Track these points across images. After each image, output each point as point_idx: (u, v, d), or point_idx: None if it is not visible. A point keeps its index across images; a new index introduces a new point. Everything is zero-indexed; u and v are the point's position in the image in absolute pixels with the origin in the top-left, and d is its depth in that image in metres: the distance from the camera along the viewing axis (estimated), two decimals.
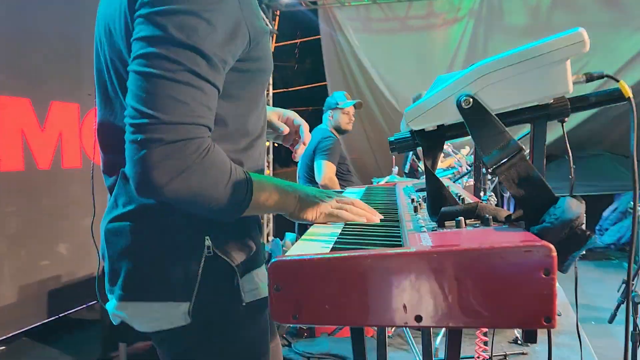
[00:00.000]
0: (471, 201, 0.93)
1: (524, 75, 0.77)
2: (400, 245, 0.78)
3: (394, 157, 4.58)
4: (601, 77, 0.80)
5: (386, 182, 4.06)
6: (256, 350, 1.09)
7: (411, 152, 4.78)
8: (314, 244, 0.84)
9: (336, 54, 7.78)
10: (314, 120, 4.22)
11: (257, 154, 1.12)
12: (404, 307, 0.68)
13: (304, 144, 1.29)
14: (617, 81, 0.80)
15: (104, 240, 1.09)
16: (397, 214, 1.08)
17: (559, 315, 3.68)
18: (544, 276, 0.65)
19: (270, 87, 7.62)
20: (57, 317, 4.35)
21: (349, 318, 0.70)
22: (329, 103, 3.84)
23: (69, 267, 4.46)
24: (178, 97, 0.84)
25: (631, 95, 0.80)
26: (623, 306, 2.18)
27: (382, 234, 0.89)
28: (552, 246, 0.65)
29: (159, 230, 1.00)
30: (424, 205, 1.11)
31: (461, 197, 1.07)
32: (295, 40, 8.76)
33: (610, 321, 3.06)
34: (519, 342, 3.06)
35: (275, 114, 1.34)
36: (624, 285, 2.32)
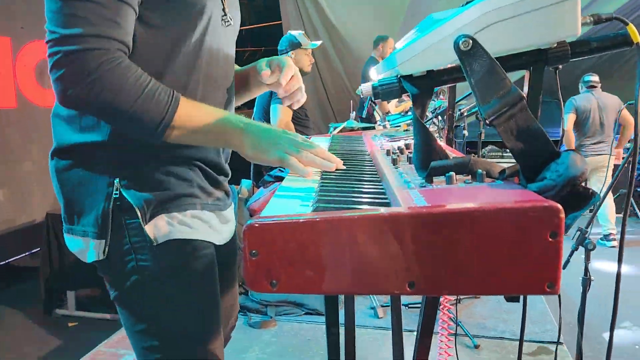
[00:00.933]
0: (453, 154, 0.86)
1: (531, 14, 0.68)
2: (388, 204, 0.70)
3: (351, 102, 4.48)
4: (610, 19, 0.73)
5: (344, 128, 3.99)
6: (187, 292, 1.09)
7: (368, 97, 4.69)
8: (290, 202, 0.75)
9: None
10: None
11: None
12: (396, 273, 0.61)
13: (280, 83, 1.22)
14: (627, 24, 0.73)
15: None
16: (373, 166, 1.00)
17: None
18: (550, 239, 0.60)
19: None
20: None
21: (335, 286, 0.62)
22: (288, 43, 3.59)
23: (8, 214, 4.21)
24: (77, 12, 0.89)
25: (638, 41, 0.73)
26: (576, 253, 2.24)
27: (366, 190, 0.81)
28: (560, 207, 0.59)
29: (73, 167, 1.06)
30: (402, 157, 1.04)
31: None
32: None
33: (564, 267, 3.19)
34: None
35: (264, 62, 1.27)
36: (578, 232, 2.37)
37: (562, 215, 0.59)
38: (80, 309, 3.51)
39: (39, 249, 4.44)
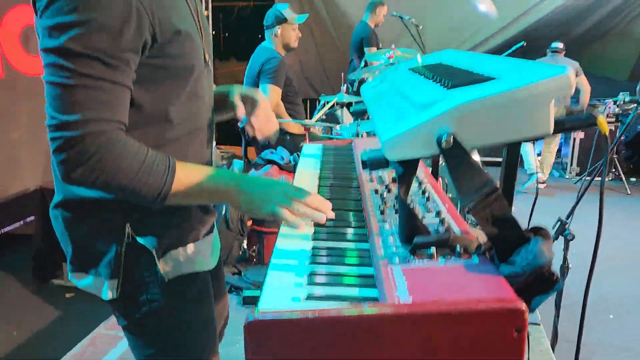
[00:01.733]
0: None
1: (507, 115, 0.74)
2: (376, 297, 0.78)
3: (342, 74, 4.47)
4: (581, 111, 0.79)
5: (335, 102, 4.00)
6: (189, 319, 1.22)
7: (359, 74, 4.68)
8: (285, 277, 0.82)
9: None
10: (258, 19, 3.88)
11: (196, 146, 1.20)
12: None
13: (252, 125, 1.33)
14: (596, 118, 0.79)
15: None
16: (362, 216, 1.07)
17: None
18: (515, 334, 0.68)
19: None
20: None
21: None
22: (274, 18, 3.53)
23: (0, 185, 4.23)
24: (76, 99, 0.94)
25: (607, 132, 0.80)
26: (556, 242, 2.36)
27: (354, 262, 0.89)
28: (524, 307, 0.67)
29: (84, 218, 1.14)
30: (389, 202, 1.11)
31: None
32: None
33: None
34: None
35: (237, 95, 1.34)
36: (559, 223, 2.49)
37: (527, 314, 0.67)
38: None
39: (32, 217, 4.51)
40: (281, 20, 3.53)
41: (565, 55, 6.15)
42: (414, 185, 1.15)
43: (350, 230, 1.03)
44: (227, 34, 8.77)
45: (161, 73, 1.06)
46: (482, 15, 7.33)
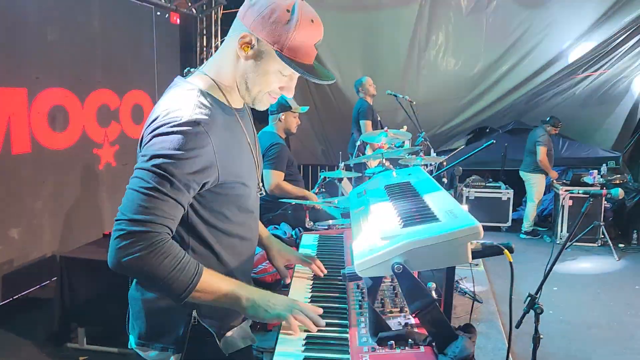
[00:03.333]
0: None
1: (438, 252, 1.08)
2: None
3: (340, 152, 4.87)
4: (492, 246, 1.13)
5: (334, 177, 4.37)
6: None
7: (357, 146, 5.09)
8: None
9: None
10: None
11: (237, 250, 1.52)
12: None
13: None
14: (502, 249, 1.13)
15: None
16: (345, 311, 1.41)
17: (480, 302, 4.21)
18: None
19: None
20: (12, 299, 4.48)
21: None
22: (279, 105, 3.92)
23: (21, 250, 4.55)
24: (142, 203, 1.23)
25: (511, 260, 1.14)
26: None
27: (336, 349, 1.21)
28: None
29: (159, 301, 1.42)
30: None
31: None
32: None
33: (517, 326, 3.60)
34: None
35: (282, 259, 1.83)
36: (529, 298, 2.78)
37: None
38: (90, 342, 3.85)
39: (48, 281, 4.80)
40: (286, 107, 3.95)
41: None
42: (388, 283, 1.48)
43: (335, 321, 1.35)
44: None
45: (221, 197, 1.39)
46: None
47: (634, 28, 7.25)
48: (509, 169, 7.99)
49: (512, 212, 8.11)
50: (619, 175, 6.46)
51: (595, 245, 6.73)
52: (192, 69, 1.50)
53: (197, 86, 1.38)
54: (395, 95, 5.92)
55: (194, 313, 1.42)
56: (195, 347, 1.42)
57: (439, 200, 1.29)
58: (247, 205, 1.49)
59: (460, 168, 4.36)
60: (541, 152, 6.98)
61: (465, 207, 1.24)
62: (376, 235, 1.20)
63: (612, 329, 4.35)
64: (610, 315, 4.63)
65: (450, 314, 1.25)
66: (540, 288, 2.87)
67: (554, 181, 7.18)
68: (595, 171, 6.59)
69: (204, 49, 7.48)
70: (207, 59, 7.48)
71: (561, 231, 6.92)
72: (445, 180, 4.71)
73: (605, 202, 6.80)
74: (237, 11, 1.42)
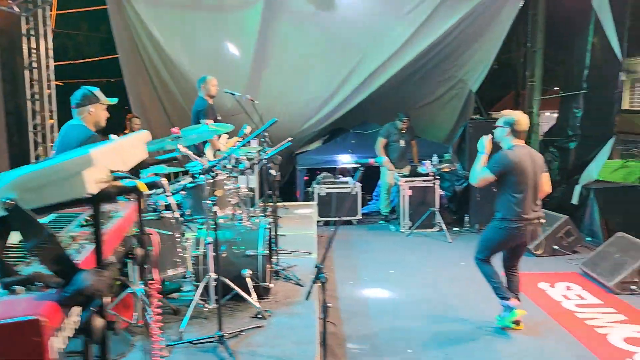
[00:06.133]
0: None
1: (51, 184, 1.05)
2: None
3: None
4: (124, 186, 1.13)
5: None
6: None
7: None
8: None
9: (125, 25, 7.51)
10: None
11: None
12: None
13: None
14: (136, 186, 1.13)
15: None
16: None
17: (301, 286, 4.31)
18: (35, 339, 0.95)
19: (51, 60, 7.08)
20: None
21: None
22: (85, 97, 3.70)
23: None
24: None
25: (146, 190, 1.14)
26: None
27: None
28: (40, 318, 0.95)
29: None
30: None
31: None
32: (81, 9, 8.16)
33: (307, 298, 3.74)
34: (259, 316, 3.56)
35: None
36: (316, 268, 2.89)
37: (44, 323, 0.95)
38: None
39: None
40: (94, 99, 3.74)
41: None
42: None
43: None
44: None
45: None
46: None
47: (458, 34, 8.03)
48: (356, 165, 8.42)
49: (364, 206, 8.58)
50: (448, 164, 7.04)
51: (434, 230, 7.26)
52: None
53: None
54: (232, 94, 5.93)
55: None
56: None
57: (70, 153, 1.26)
58: None
59: (279, 157, 4.49)
60: (377, 142, 7.60)
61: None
62: None
63: (434, 302, 4.70)
64: (436, 290, 5.00)
65: None
66: (324, 257, 3.00)
67: (397, 174, 7.63)
68: (428, 162, 7.12)
69: (32, 51, 6.92)
70: (38, 62, 6.96)
71: (404, 220, 7.38)
72: (272, 172, 4.76)
73: (440, 189, 7.39)
74: (73, 11, 1.29)
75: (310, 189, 8.02)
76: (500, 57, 12.93)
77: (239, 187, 4.02)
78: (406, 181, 7.32)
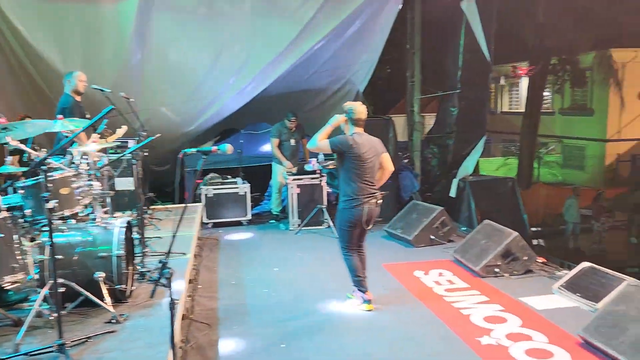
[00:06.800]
0: None
1: None
2: None
3: None
4: None
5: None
6: None
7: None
8: None
9: None
10: None
11: None
12: None
13: None
14: None
15: None
16: None
17: (165, 287, 4.10)
18: None
19: None
20: None
21: None
22: None
23: None
24: None
25: None
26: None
27: None
28: None
29: None
30: None
31: None
32: None
33: (151, 296, 3.59)
34: (113, 320, 3.30)
35: None
36: (160, 264, 2.73)
37: None
38: None
39: None
40: None
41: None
42: None
43: None
44: None
45: None
46: None
47: (344, 34, 8.18)
48: (247, 165, 8.28)
49: (256, 206, 8.46)
50: (333, 161, 7.12)
51: (322, 227, 7.30)
52: None
53: None
54: (102, 90, 5.55)
55: None
56: None
57: None
58: None
59: (142, 153, 4.25)
60: (271, 143, 7.55)
61: None
62: None
63: (313, 297, 4.69)
64: (315, 286, 4.98)
65: None
66: (169, 252, 2.86)
67: (285, 172, 7.59)
68: (314, 159, 7.15)
69: None
70: None
71: (293, 218, 7.34)
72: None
73: (328, 187, 7.46)
74: None
75: (198, 191, 7.75)
76: (392, 60, 13.61)
77: (92, 186, 3.71)
78: (294, 179, 7.30)
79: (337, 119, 4.33)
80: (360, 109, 4.30)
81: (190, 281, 5.13)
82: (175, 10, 7.44)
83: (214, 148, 3.36)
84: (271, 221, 7.88)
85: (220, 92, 8.14)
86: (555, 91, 18.97)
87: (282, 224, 7.66)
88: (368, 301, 4.32)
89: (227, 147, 3.47)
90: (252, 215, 7.86)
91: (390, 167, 4.43)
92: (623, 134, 18.14)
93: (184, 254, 4.86)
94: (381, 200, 4.34)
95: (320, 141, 4.24)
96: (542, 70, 15.70)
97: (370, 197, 4.22)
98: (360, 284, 4.34)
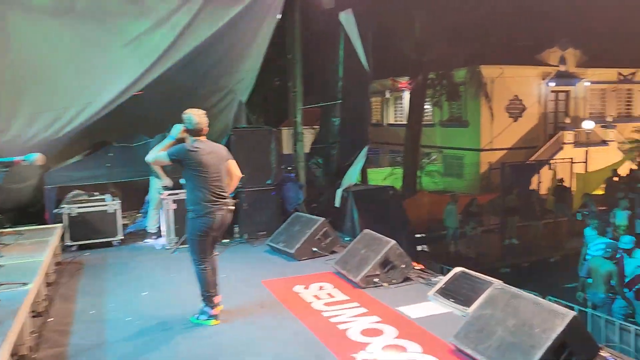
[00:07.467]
0: None
1: None
2: None
3: None
4: None
5: None
6: None
7: None
8: None
9: None
10: None
11: None
12: None
13: None
14: None
15: None
16: None
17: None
18: None
19: None
20: None
21: None
22: None
23: None
24: None
25: None
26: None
27: None
28: None
29: None
30: None
31: None
32: None
33: None
34: None
35: None
36: None
37: None
38: None
39: None
40: None
41: None
42: None
43: None
44: None
45: None
46: None
47: (223, 40, 7.86)
48: (118, 180, 7.61)
49: (132, 224, 7.78)
50: None
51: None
52: None
53: None
54: None
55: None
56: None
57: None
58: None
59: None
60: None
61: None
62: None
63: (177, 320, 4.28)
64: (181, 308, 4.54)
65: None
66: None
67: (159, 187, 7.05)
68: None
69: None
70: None
71: (170, 235, 6.82)
72: None
73: None
74: None
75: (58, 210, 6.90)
76: (280, 72, 13.45)
77: None
78: (169, 194, 6.80)
79: (179, 130, 4.14)
80: (198, 119, 4.11)
81: (39, 314, 4.49)
82: (28, 8, 6.65)
83: (17, 159, 2.88)
84: (146, 240, 7.26)
85: (90, 101, 7.41)
86: (434, 104, 20.09)
87: (156, 244, 7.08)
88: (214, 317, 4.19)
89: (36, 157, 3.03)
90: (126, 234, 7.20)
91: (237, 173, 4.34)
92: (494, 143, 19.69)
93: (25, 284, 4.19)
94: (233, 207, 4.26)
95: (158, 157, 4.10)
96: (421, 84, 16.53)
97: (220, 204, 4.09)
98: (210, 299, 4.20)
